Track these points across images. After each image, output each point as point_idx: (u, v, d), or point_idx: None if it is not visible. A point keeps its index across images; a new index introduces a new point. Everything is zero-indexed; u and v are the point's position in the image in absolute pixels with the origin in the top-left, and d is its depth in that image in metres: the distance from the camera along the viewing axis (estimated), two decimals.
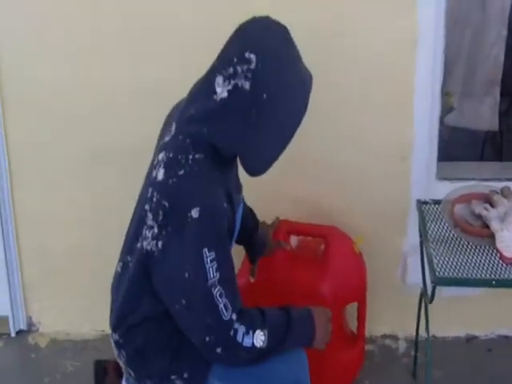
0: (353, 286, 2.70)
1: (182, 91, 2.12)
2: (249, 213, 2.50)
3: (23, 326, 3.24)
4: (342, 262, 2.67)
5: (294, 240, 2.82)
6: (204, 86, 2.03)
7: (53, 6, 2.79)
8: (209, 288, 1.94)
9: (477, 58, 3.43)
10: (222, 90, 1.96)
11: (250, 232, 2.49)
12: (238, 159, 2.09)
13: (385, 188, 2.89)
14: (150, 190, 2.02)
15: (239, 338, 1.98)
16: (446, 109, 3.35)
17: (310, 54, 2.62)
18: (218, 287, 1.95)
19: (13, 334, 3.21)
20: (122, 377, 2.26)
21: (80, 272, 3.13)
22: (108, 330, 2.22)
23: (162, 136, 2.16)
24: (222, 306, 1.95)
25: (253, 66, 1.92)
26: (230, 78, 1.95)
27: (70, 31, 2.82)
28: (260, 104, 1.93)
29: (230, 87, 1.95)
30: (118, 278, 2.18)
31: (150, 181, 2.06)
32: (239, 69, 1.94)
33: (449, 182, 2.87)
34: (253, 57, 1.92)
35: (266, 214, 2.64)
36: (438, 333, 2.99)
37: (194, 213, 1.92)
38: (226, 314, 1.96)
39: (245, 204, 2.41)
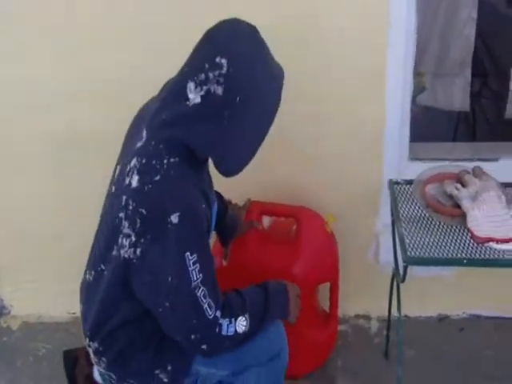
0: (325, 266, 2.70)
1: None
2: (218, 197, 2.49)
3: None
4: (313, 242, 2.67)
5: (266, 221, 2.81)
6: (175, 91, 2.02)
7: None
8: (192, 290, 1.96)
9: (448, 38, 3.44)
10: (194, 96, 1.96)
11: (220, 216, 2.48)
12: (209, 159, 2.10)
13: (357, 168, 2.89)
14: (124, 197, 2.00)
15: (224, 331, 2.03)
16: (419, 89, 3.35)
17: (283, 40, 2.65)
18: (202, 288, 1.97)
19: None
20: (92, 365, 2.25)
21: (52, 256, 3.12)
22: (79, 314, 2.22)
23: (129, 139, 2.15)
24: (206, 305, 1.98)
25: (224, 70, 1.92)
26: (201, 84, 1.95)
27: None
28: (233, 107, 1.94)
29: (202, 93, 1.95)
30: (89, 287, 2.18)
31: (122, 188, 2.03)
32: (211, 75, 1.93)
33: (421, 162, 2.87)
34: (224, 61, 1.92)
35: (237, 196, 2.65)
36: (410, 313, 3.01)
37: (174, 218, 1.92)
38: (210, 312, 1.99)
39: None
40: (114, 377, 2.17)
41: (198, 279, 1.96)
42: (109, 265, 2.08)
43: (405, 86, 2.82)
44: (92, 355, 2.19)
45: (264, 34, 2.02)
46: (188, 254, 1.94)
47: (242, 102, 1.93)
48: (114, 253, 2.04)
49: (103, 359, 2.16)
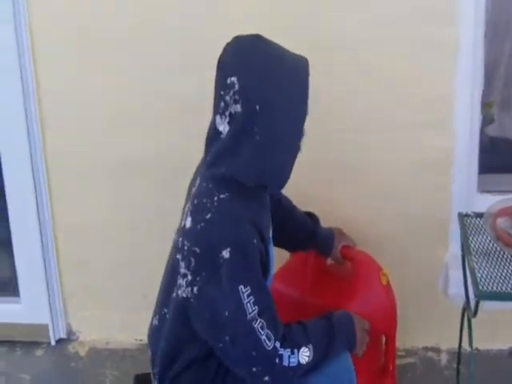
0: (376, 317, 2.54)
1: None
2: (307, 214, 2.55)
3: (63, 335, 3.26)
4: (366, 290, 2.59)
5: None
6: (211, 133, 2.05)
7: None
8: (249, 322, 1.97)
9: None
10: (223, 127, 1.99)
11: (311, 232, 2.54)
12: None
13: (426, 200, 2.87)
14: (181, 239, 2.04)
15: (285, 362, 2.02)
16: (487, 120, 3.32)
17: (344, 64, 2.64)
18: (259, 320, 1.97)
19: (53, 343, 3.23)
20: None
21: (118, 284, 3.16)
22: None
23: (188, 193, 2.18)
24: (264, 337, 1.98)
25: (236, 87, 1.95)
26: (223, 111, 1.98)
27: (107, 44, 2.85)
28: (257, 118, 1.95)
29: (227, 119, 1.97)
30: (156, 332, 2.21)
31: (179, 232, 2.08)
32: (227, 98, 1.96)
33: (490, 194, 2.84)
34: (234, 79, 1.95)
35: None
36: (480, 345, 2.95)
37: (225, 253, 1.94)
38: (269, 344, 1.99)
39: (294, 210, 2.53)
40: None
41: (253, 311, 1.96)
42: (170, 307, 2.12)
43: (473, 115, 2.80)
44: None
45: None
46: (241, 287, 1.95)
47: (265, 109, 1.94)
48: (174, 295, 2.08)
49: None
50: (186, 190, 2.20)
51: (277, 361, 2.00)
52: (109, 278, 3.16)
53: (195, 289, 2.00)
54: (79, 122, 2.96)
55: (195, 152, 2.15)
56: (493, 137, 3.42)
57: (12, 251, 3.18)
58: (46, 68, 2.91)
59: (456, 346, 2.84)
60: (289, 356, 2.02)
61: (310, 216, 2.58)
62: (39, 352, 3.22)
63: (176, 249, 2.08)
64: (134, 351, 3.16)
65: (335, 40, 2.72)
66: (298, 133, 2.03)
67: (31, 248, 3.13)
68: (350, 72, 2.75)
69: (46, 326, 3.22)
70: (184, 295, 2.03)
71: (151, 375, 2.24)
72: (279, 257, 2.56)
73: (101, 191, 3.05)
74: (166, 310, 2.15)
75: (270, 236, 2.22)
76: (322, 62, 2.60)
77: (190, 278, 2.00)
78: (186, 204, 2.13)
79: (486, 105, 3.10)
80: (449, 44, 2.69)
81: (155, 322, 2.22)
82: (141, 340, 3.12)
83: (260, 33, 2.03)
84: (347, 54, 2.72)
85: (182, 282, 2.03)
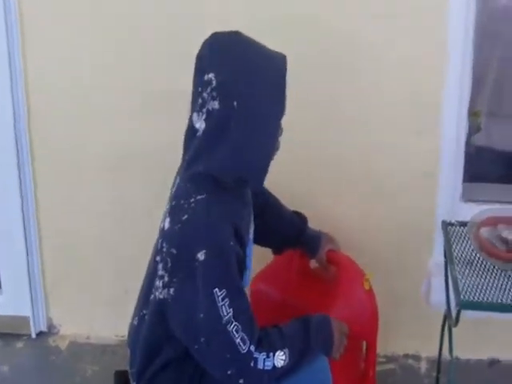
0: (358, 322, 2.55)
1: None
2: (296, 214, 2.56)
3: (44, 328, 3.26)
4: (350, 297, 2.60)
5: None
6: (188, 132, 2.05)
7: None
8: (224, 325, 1.97)
9: (504, 78, 3.43)
10: (199, 124, 1.99)
11: (300, 231, 2.55)
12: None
13: (412, 206, 2.88)
14: (160, 241, 2.06)
15: (260, 365, 2.02)
16: (474, 129, 3.34)
17: (331, 69, 2.64)
18: (234, 323, 1.98)
19: (33, 335, 3.23)
20: None
21: (100, 278, 3.16)
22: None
23: (170, 194, 2.18)
24: (238, 340, 1.98)
25: (214, 83, 1.95)
26: (201, 108, 1.98)
27: (102, 35, 2.86)
28: (234, 115, 1.95)
29: (204, 116, 1.98)
30: (134, 332, 2.21)
31: (160, 233, 2.09)
32: (205, 95, 1.96)
33: (474, 203, 2.86)
34: (211, 76, 1.95)
35: None
36: (461, 354, 2.93)
37: (200, 255, 1.95)
38: (243, 347, 1.99)
39: (281, 209, 2.53)
40: None
41: (228, 314, 1.97)
42: (149, 309, 2.13)
43: (459, 123, 2.81)
44: None
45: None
46: (216, 289, 1.96)
47: (242, 106, 1.94)
48: (152, 296, 2.09)
49: None
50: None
51: (251, 364, 2.00)
52: (91, 273, 3.16)
53: (171, 290, 2.01)
54: (67, 112, 2.97)
55: None
56: (479, 146, 3.44)
57: None
58: (35, 58, 2.91)
59: (436, 354, 2.85)
60: (264, 359, 2.02)
61: (298, 215, 2.58)
62: (19, 344, 3.21)
63: (156, 250, 2.09)
64: (115, 346, 3.15)
65: (330, 42, 2.73)
66: (275, 129, 2.03)
67: (14, 240, 3.12)
68: (337, 76, 2.76)
69: (26, 319, 3.21)
70: (161, 296, 2.04)
71: (129, 375, 2.24)
72: (262, 257, 2.59)
73: (86, 184, 3.05)
74: (144, 312, 2.15)
75: (250, 236, 2.22)
76: (312, 66, 2.64)
77: (166, 279, 2.01)
78: (166, 205, 2.14)
79: (473, 114, 3.12)
80: (438, 52, 2.71)
81: (135, 322, 2.22)
82: (122, 336, 3.11)
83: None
84: (337, 57, 2.74)
85: (159, 283, 2.04)
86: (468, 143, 2.95)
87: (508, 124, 3.49)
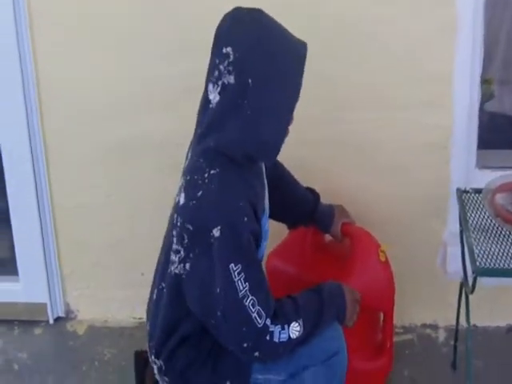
0: (374, 293, 2.56)
1: None
2: (309, 191, 2.57)
3: (61, 313, 3.26)
4: (363, 267, 2.59)
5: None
6: (202, 102, 2.05)
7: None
8: (240, 300, 1.98)
9: None
10: (214, 96, 1.99)
11: (312, 208, 2.55)
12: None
13: (425, 177, 2.86)
14: (175, 216, 2.06)
15: (276, 338, 2.02)
16: (486, 96, 3.31)
17: (344, 43, 2.64)
18: (250, 297, 1.98)
19: (51, 321, 3.23)
20: None
21: (114, 262, 3.16)
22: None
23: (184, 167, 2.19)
24: (255, 314, 1.99)
25: (231, 58, 1.94)
26: (217, 80, 1.97)
27: (106, 29, 2.84)
28: (248, 92, 1.94)
29: (219, 89, 1.97)
30: (154, 306, 2.22)
31: (174, 208, 2.10)
32: (222, 67, 1.96)
33: (489, 170, 2.84)
34: (229, 50, 1.94)
35: None
36: (479, 322, 2.95)
37: (216, 231, 1.95)
38: (259, 321, 2.00)
39: (296, 185, 2.54)
40: None
41: (244, 288, 1.97)
42: (165, 283, 2.14)
43: (472, 92, 2.79)
44: (156, 372, 2.22)
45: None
46: (232, 265, 1.96)
47: (256, 84, 1.93)
48: (168, 270, 2.10)
49: (166, 379, 2.20)
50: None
51: (267, 338, 2.01)
52: (107, 257, 3.15)
53: (187, 265, 2.02)
54: (79, 103, 2.95)
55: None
56: (492, 113, 3.41)
57: (11, 230, 3.17)
58: (44, 53, 2.89)
59: (454, 322, 2.84)
60: (279, 332, 2.02)
61: (311, 192, 2.58)
62: (38, 331, 3.22)
63: (171, 224, 2.10)
64: (132, 329, 3.15)
65: (334, 19, 2.70)
66: (286, 114, 2.02)
67: (30, 227, 3.12)
68: (348, 51, 2.73)
69: (44, 305, 3.22)
70: (177, 271, 2.05)
71: (148, 348, 2.25)
72: (277, 233, 2.58)
73: (99, 171, 3.04)
74: (163, 285, 2.16)
75: (266, 206, 2.22)
76: (320, 43, 2.61)
77: (182, 254, 2.02)
78: (180, 178, 2.13)
79: (485, 81, 3.09)
80: (448, 22, 2.68)
81: (154, 295, 2.23)
82: (139, 318, 3.13)
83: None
84: (345, 33, 2.71)
85: (174, 258, 2.05)
86: (481, 110, 2.92)
87: None
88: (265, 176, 2.25)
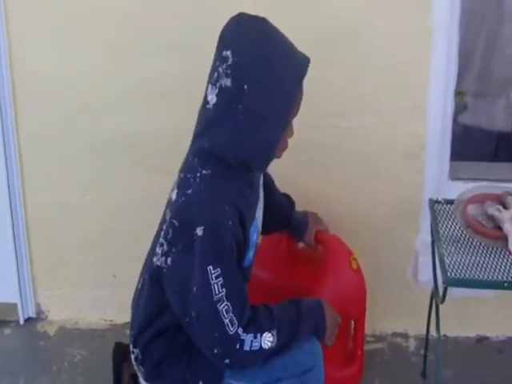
0: (346, 301, 2.57)
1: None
2: (285, 197, 2.58)
3: (32, 314, 3.24)
4: (337, 276, 2.60)
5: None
6: (203, 101, 2.06)
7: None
8: (215, 304, 1.98)
9: (491, 58, 3.42)
10: (211, 97, 2.00)
11: (287, 215, 2.57)
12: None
13: (399, 185, 2.88)
14: (167, 211, 2.09)
15: (247, 347, 2.02)
16: (460, 108, 3.34)
17: (321, 52, 2.66)
18: (225, 302, 1.99)
19: (21, 322, 3.21)
20: None
21: (86, 263, 3.14)
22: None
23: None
24: (227, 321, 1.99)
25: (230, 61, 1.96)
26: (215, 82, 1.99)
27: (89, 23, 2.82)
28: (243, 97, 1.95)
29: (216, 91, 1.99)
30: (138, 294, 2.25)
31: (167, 204, 2.13)
32: (220, 70, 1.97)
33: (461, 181, 2.86)
34: (229, 53, 1.96)
35: None
36: (449, 332, 2.97)
37: (199, 231, 1.97)
38: (231, 328, 2.00)
39: (274, 191, 2.52)
40: None
41: (220, 293, 1.98)
42: (148, 273, 2.16)
43: (446, 102, 2.81)
44: (133, 361, 2.23)
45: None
46: (211, 267, 1.97)
47: (252, 90, 1.94)
48: (152, 261, 2.12)
49: (141, 369, 2.21)
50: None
51: (237, 346, 2.01)
52: (79, 258, 3.13)
53: (169, 260, 2.03)
54: (53, 102, 2.93)
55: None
56: (466, 125, 3.44)
57: None
58: (20, 47, 2.88)
59: (424, 332, 2.85)
60: (251, 341, 2.02)
61: (287, 198, 2.60)
62: (7, 331, 3.20)
63: (163, 219, 2.13)
64: (103, 331, 3.14)
65: (320, 30, 2.71)
66: (280, 125, 2.02)
67: (1, 226, 3.10)
68: (328, 59, 2.73)
69: (14, 305, 3.20)
70: (158, 263, 2.07)
71: (129, 337, 2.26)
72: None
73: (72, 169, 3.03)
74: (146, 275, 2.18)
75: (257, 217, 2.22)
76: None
77: (165, 247, 2.04)
78: (176, 176, 2.15)
79: (459, 93, 3.12)
80: (424, 33, 2.70)
81: (139, 285, 2.25)
82: (110, 320, 3.12)
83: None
84: (327, 41, 2.72)
85: (158, 250, 2.08)
86: (455, 122, 2.95)
87: (494, 103, 3.47)
88: (261, 188, 2.27)
